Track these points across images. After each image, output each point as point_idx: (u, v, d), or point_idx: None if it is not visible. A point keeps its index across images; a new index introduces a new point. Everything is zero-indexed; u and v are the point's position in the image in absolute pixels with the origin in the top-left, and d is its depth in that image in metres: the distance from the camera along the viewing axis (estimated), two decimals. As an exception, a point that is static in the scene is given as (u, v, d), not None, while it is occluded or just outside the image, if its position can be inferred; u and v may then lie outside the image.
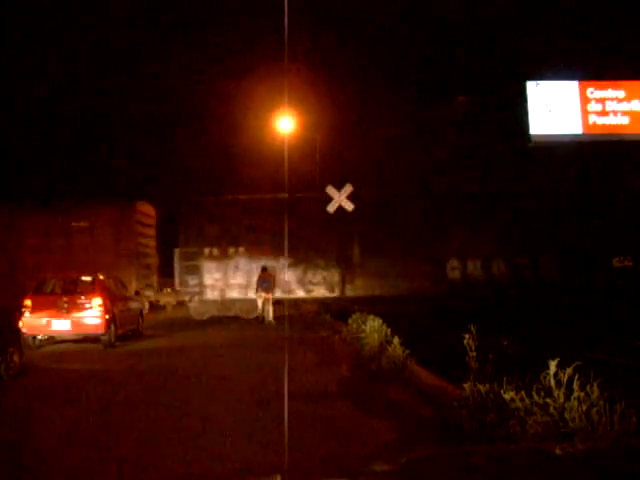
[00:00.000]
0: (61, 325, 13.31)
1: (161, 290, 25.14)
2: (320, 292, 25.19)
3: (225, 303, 22.92)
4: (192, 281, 23.67)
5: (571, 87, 27.18)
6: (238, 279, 23.83)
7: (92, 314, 13.29)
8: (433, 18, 26.57)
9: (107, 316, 13.32)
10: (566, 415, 4.55)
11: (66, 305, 13.34)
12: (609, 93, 27.21)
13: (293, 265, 24.88)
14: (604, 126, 27.07)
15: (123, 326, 14.35)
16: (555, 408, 4.63)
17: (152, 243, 24.06)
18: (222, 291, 23.80)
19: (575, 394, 4.64)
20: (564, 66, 26.62)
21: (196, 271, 24.41)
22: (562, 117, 26.89)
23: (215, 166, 25.26)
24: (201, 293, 23.58)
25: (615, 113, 27.09)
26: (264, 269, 20.37)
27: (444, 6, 26.29)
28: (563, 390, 4.72)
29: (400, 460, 2.31)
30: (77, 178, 23.23)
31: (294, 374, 8.49)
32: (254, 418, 6.61)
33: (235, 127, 25.87)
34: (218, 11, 26.23)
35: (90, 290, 13.78)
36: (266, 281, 19.69)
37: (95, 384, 9.17)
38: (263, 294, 19.51)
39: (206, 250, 25.23)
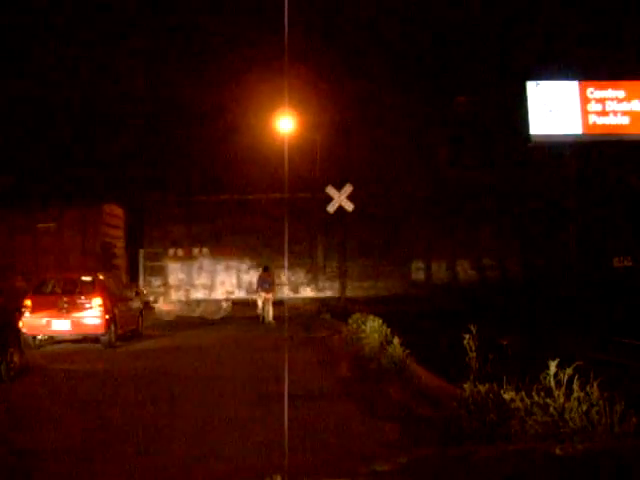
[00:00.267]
0: (61, 325, 13.31)
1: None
2: (284, 293, 25.40)
3: (190, 304, 23.02)
4: (156, 282, 23.74)
5: (571, 87, 27.16)
6: (202, 280, 23.95)
7: (92, 314, 13.28)
8: (433, 18, 26.58)
9: (107, 316, 13.31)
10: (566, 415, 4.55)
11: (66, 305, 13.34)
12: (609, 93, 27.19)
13: (256, 266, 25.11)
14: (604, 126, 27.05)
15: (123, 326, 14.34)
16: (555, 408, 4.63)
17: (120, 244, 24.21)
18: (187, 292, 23.89)
19: (575, 394, 4.64)
20: (564, 66, 26.61)
21: (160, 272, 24.56)
22: (562, 117, 26.88)
23: (185, 166, 25.40)
24: (165, 294, 23.66)
25: (615, 113, 27.08)
26: (265, 269, 20.38)
27: (444, 6, 26.32)
28: (563, 390, 4.72)
29: (400, 460, 2.31)
30: (44, 179, 23.23)
31: (294, 374, 8.49)
32: (254, 418, 6.61)
33: (218, 127, 26.03)
34: (218, 11, 26.26)
35: (90, 290, 13.77)
36: (266, 281, 19.70)
37: (95, 384, 9.17)
38: (263, 294, 19.52)
39: (170, 251, 25.41)
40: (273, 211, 25.23)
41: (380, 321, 10.83)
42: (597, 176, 27.13)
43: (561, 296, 21.93)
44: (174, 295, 20.75)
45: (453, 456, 2.32)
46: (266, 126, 23.79)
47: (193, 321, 20.43)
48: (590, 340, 11.61)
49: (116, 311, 13.79)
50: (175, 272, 24.63)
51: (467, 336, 6.36)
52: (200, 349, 13.17)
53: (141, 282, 24.32)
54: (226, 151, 25.77)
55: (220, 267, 24.13)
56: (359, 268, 25.72)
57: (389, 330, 10.08)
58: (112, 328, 13.45)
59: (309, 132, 23.70)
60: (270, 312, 19.17)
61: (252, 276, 25.47)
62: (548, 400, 4.71)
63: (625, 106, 27.02)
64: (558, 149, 27.03)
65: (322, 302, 23.70)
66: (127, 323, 14.81)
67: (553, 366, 4.84)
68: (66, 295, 13.72)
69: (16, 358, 9.75)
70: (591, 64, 26.63)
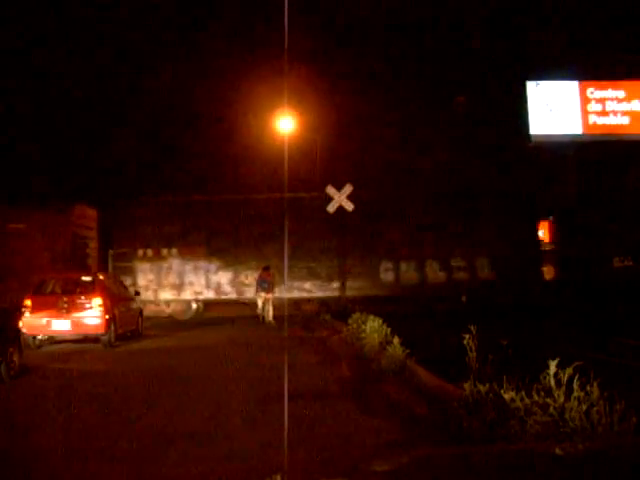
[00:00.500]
0: (61, 325, 13.31)
1: None
2: (252, 293, 25.62)
3: (159, 304, 23.08)
4: (125, 282, 24.04)
5: (571, 87, 27.18)
6: (171, 280, 24.04)
7: (92, 314, 13.28)
8: (433, 18, 26.59)
9: (107, 316, 13.31)
10: (566, 415, 4.55)
11: (66, 305, 13.34)
12: (609, 93, 27.20)
13: (224, 266, 25.21)
14: (604, 126, 27.07)
15: (123, 326, 14.35)
16: (555, 408, 4.63)
17: (93, 245, 24.31)
18: (155, 292, 23.97)
19: (575, 394, 4.64)
20: (564, 66, 26.62)
21: (129, 272, 24.69)
22: (562, 117, 26.89)
23: (156, 167, 25.45)
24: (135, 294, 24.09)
25: (615, 113, 27.09)
26: (265, 269, 20.36)
27: (444, 6, 26.32)
28: (563, 390, 4.72)
29: (400, 460, 2.31)
30: (14, 180, 23.20)
31: (294, 374, 8.49)
32: (254, 418, 6.61)
33: (213, 127, 26.08)
34: (218, 11, 26.26)
35: (90, 290, 13.78)
36: (266, 281, 19.69)
37: (95, 384, 9.17)
38: (263, 294, 19.52)
39: (140, 251, 25.57)
40: (244, 211, 25.62)
41: (380, 321, 10.83)
42: (597, 176, 27.14)
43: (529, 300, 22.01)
44: (143, 295, 20.83)
45: (453, 456, 2.31)
46: (265, 126, 23.81)
47: (193, 321, 20.43)
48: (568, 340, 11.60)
49: (116, 311, 13.79)
50: (144, 273, 24.71)
51: (467, 336, 6.36)
52: (200, 349, 13.17)
53: None
54: (218, 151, 25.86)
55: (189, 267, 24.24)
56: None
57: (389, 330, 10.08)
58: (112, 328, 13.45)
59: (308, 132, 23.70)
60: (270, 312, 19.17)
61: (221, 277, 25.81)
62: (548, 400, 4.71)
63: (625, 106, 27.03)
64: (558, 149, 27.05)
65: (322, 302, 23.71)
66: (127, 323, 14.81)
67: (553, 366, 4.84)
68: (66, 295, 13.73)
69: (16, 358, 9.75)
70: (591, 64, 26.63)
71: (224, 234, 25.31)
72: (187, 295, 23.92)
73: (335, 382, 8.77)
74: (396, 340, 9.09)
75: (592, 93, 27.10)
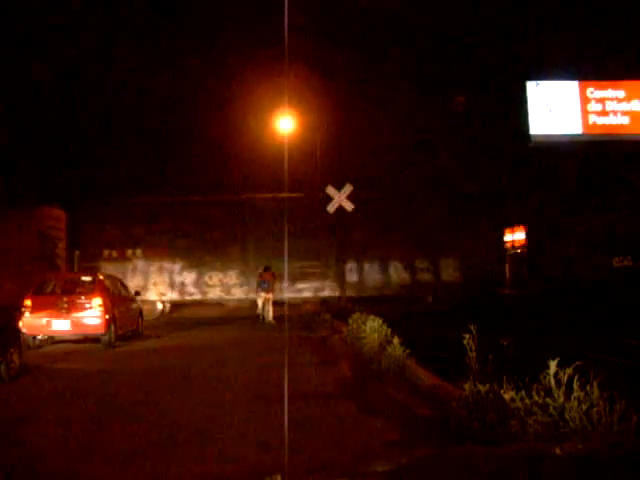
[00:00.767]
0: (61, 325, 13.32)
1: None
2: (216, 294, 25.72)
3: None
4: None
5: (571, 87, 27.18)
6: (136, 281, 24.22)
7: (92, 314, 13.29)
8: (433, 18, 26.57)
9: (107, 316, 13.32)
10: (566, 415, 4.55)
11: (66, 305, 13.35)
12: (609, 93, 27.21)
13: (188, 267, 25.33)
14: (604, 126, 27.07)
15: (123, 326, 14.35)
16: (555, 408, 4.63)
17: (62, 245, 24.40)
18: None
19: (575, 394, 4.64)
20: (564, 66, 26.62)
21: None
22: (562, 117, 26.89)
23: (123, 167, 25.47)
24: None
25: (615, 113, 27.09)
26: (266, 269, 20.35)
27: (444, 6, 26.30)
28: (563, 390, 4.72)
29: (400, 460, 2.31)
30: None
31: (294, 374, 8.50)
32: (254, 418, 6.61)
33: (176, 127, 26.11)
34: (218, 11, 26.25)
35: (90, 290, 13.79)
36: (266, 281, 19.68)
37: (95, 384, 9.17)
38: (263, 294, 19.51)
39: (105, 252, 25.76)
40: (208, 212, 25.89)
41: (380, 321, 10.83)
42: (597, 176, 27.14)
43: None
44: None
45: (453, 456, 2.32)
46: (265, 126, 23.79)
47: (193, 321, 20.42)
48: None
49: (116, 311, 13.79)
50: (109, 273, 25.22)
51: (467, 336, 6.36)
52: (200, 349, 13.18)
53: None
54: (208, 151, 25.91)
55: (153, 268, 24.39)
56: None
57: (389, 330, 10.08)
58: (112, 328, 13.45)
59: (308, 132, 23.70)
60: (270, 312, 19.17)
61: (185, 277, 26.08)
62: (548, 400, 4.71)
63: (625, 106, 27.04)
64: (558, 149, 27.05)
65: (322, 302, 23.75)
66: (127, 323, 14.82)
67: (553, 366, 4.84)
68: (66, 295, 13.73)
69: (16, 358, 9.75)
70: (591, 64, 26.63)
71: (189, 235, 25.76)
72: (152, 296, 24.12)
73: (335, 382, 8.77)
74: (396, 340, 9.09)
75: (592, 93, 27.10)
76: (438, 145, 27.07)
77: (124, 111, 25.78)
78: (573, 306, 19.00)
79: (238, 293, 26.23)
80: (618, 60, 26.19)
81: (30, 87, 23.84)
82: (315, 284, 26.34)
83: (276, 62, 17.47)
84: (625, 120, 27.05)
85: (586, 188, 27.32)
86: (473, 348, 6.27)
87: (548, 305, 20.32)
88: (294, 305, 23.48)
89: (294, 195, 25.24)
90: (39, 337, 13.61)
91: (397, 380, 8.21)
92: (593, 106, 27.10)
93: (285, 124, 22.07)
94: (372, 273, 26.48)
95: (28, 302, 13.41)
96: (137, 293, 17.06)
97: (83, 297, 13.59)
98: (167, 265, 24.86)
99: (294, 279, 26.05)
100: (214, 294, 24.96)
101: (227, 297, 26.04)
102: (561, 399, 4.67)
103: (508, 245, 29.94)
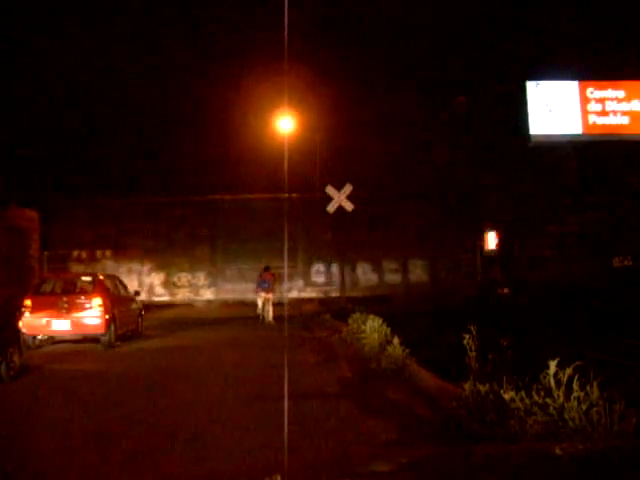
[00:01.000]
0: (61, 325, 13.31)
1: None
2: (185, 295, 25.84)
3: None
4: None
5: (571, 87, 27.16)
6: None
7: (92, 314, 13.28)
8: (433, 18, 26.56)
9: (107, 316, 13.31)
10: (566, 415, 4.55)
11: (66, 305, 13.34)
12: (609, 93, 27.20)
13: (157, 268, 25.41)
14: (604, 126, 27.06)
15: (123, 326, 14.34)
16: (555, 408, 4.63)
17: (35, 246, 24.43)
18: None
19: (575, 394, 4.64)
20: (564, 66, 26.61)
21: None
22: (562, 117, 26.88)
23: (94, 168, 25.51)
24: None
25: (615, 113, 27.08)
26: (265, 269, 20.34)
27: (444, 6, 26.30)
28: (563, 390, 4.72)
29: (400, 460, 2.31)
30: None
31: (294, 374, 8.49)
32: (254, 418, 6.61)
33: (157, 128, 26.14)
34: (218, 11, 26.24)
35: (90, 290, 13.78)
36: (266, 281, 19.66)
37: (95, 384, 9.17)
38: (263, 294, 19.49)
39: (74, 253, 25.79)
40: (178, 213, 26.04)
41: (380, 321, 10.84)
42: (597, 176, 27.14)
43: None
44: None
45: (453, 456, 2.32)
46: (265, 126, 23.79)
47: (193, 322, 20.41)
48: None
49: (116, 311, 13.78)
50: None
51: (467, 336, 6.36)
52: (200, 349, 13.17)
53: None
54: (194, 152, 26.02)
55: (122, 269, 24.48)
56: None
57: (389, 330, 10.08)
58: (112, 328, 13.44)
59: (308, 132, 23.70)
60: (270, 312, 19.16)
61: (153, 278, 26.18)
62: (548, 400, 4.72)
63: (625, 106, 27.03)
64: (558, 149, 27.05)
65: (321, 302, 23.77)
66: (127, 323, 14.81)
67: (553, 366, 4.84)
68: (66, 295, 13.73)
69: (16, 358, 9.75)
70: (591, 64, 26.62)
71: (157, 236, 25.89)
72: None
73: (335, 382, 8.77)
74: (396, 340, 9.10)
75: (592, 93, 27.09)
76: (436, 145, 27.11)
77: (105, 111, 25.86)
78: (552, 308, 19.03)
79: (207, 294, 26.50)
80: (618, 60, 26.18)
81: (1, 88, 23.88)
82: (284, 285, 26.64)
83: (276, 62, 17.47)
84: (625, 120, 27.04)
85: (586, 188, 27.35)
86: (473, 348, 6.27)
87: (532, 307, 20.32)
88: (294, 305, 23.49)
89: (266, 196, 25.63)
90: (39, 337, 13.60)
91: (397, 380, 8.22)
92: (593, 106, 27.09)
93: (285, 124, 22.06)
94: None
95: (28, 302, 13.41)
96: (137, 293, 17.05)
97: (83, 297, 13.59)
98: (136, 266, 24.99)
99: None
100: (183, 295, 25.10)
101: (196, 298, 26.24)
102: (561, 399, 4.67)
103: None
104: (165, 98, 26.11)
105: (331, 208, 20.25)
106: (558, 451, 2.38)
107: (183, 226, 26.43)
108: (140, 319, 16.14)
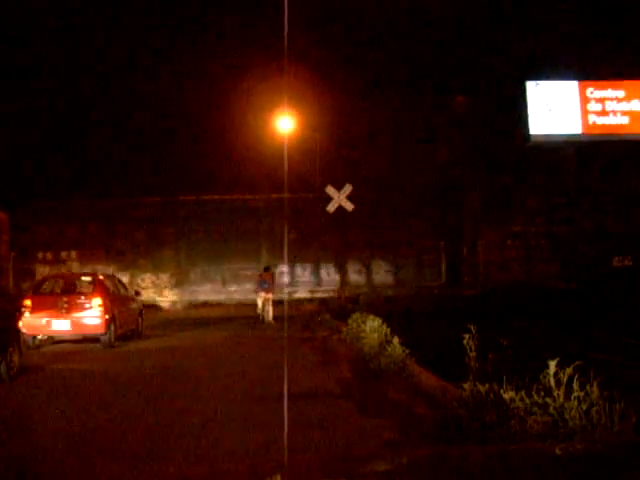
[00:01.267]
0: (61, 325, 13.31)
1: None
2: (149, 296, 26.15)
3: None
4: (25, 285, 24.29)
5: (571, 87, 27.19)
6: None
7: (92, 314, 13.27)
8: (433, 18, 26.56)
9: (107, 316, 13.30)
10: (566, 415, 4.55)
11: (66, 305, 13.34)
12: (609, 93, 27.22)
13: (121, 270, 25.66)
14: (604, 126, 27.08)
15: (123, 326, 14.34)
16: (555, 408, 4.63)
17: (4, 247, 24.51)
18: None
19: (575, 394, 4.64)
20: (564, 66, 26.61)
21: (30, 275, 25.10)
22: (562, 117, 26.90)
23: (62, 169, 25.52)
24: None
25: (615, 113, 27.11)
26: (265, 269, 20.35)
27: (444, 6, 26.29)
28: (563, 390, 4.72)
29: (400, 460, 2.31)
30: None
31: (294, 374, 8.50)
32: (254, 418, 6.61)
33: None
34: (218, 10, 26.23)
35: (90, 290, 13.79)
36: (266, 281, 19.66)
37: (95, 384, 9.17)
38: (263, 294, 19.48)
39: (40, 254, 25.84)
40: (142, 214, 26.17)
41: (380, 321, 10.83)
42: (597, 176, 27.13)
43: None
44: None
45: (453, 456, 2.31)
46: (265, 126, 23.78)
47: (193, 322, 20.41)
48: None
49: (116, 311, 13.78)
50: (43, 275, 25.38)
51: (467, 336, 6.36)
52: (200, 349, 13.17)
53: (11, 285, 24.92)
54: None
55: (87, 270, 24.58)
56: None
57: (389, 330, 10.08)
58: (112, 328, 13.44)
59: (308, 131, 23.69)
60: (270, 312, 19.15)
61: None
62: (548, 400, 4.71)
63: (625, 106, 27.05)
64: (558, 149, 27.05)
65: (321, 302, 23.75)
66: (127, 323, 14.80)
67: (553, 366, 4.84)
68: (66, 295, 13.73)
69: (16, 358, 9.74)
70: (591, 64, 26.62)
71: (122, 237, 26.05)
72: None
73: (335, 382, 8.77)
74: (396, 340, 9.09)
75: (592, 93, 27.12)
76: (432, 145, 27.17)
77: (82, 112, 25.93)
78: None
79: (170, 295, 26.66)
80: (618, 60, 26.18)
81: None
82: (247, 286, 26.94)
83: (276, 62, 17.47)
84: (625, 120, 27.06)
85: (586, 187, 27.35)
86: (473, 348, 6.26)
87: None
88: (293, 305, 23.49)
89: (233, 197, 25.83)
90: (39, 337, 13.60)
91: (397, 380, 8.21)
92: (593, 106, 27.11)
93: (285, 124, 22.06)
94: (304, 275, 27.19)
95: (28, 302, 13.40)
96: (137, 293, 17.05)
97: (83, 297, 13.59)
98: (100, 267, 25.11)
99: (225, 281, 26.63)
100: (147, 296, 25.22)
101: (160, 299, 26.49)
102: (561, 399, 4.67)
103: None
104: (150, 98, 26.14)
105: (331, 208, 20.25)
106: (558, 451, 2.38)
107: (148, 227, 26.75)
108: (140, 319, 16.13)
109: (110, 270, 25.12)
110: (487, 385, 5.33)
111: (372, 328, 10.55)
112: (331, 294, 24.92)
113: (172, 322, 20.17)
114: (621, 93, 27.10)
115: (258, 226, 26.92)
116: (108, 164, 25.80)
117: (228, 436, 5.97)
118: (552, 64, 26.75)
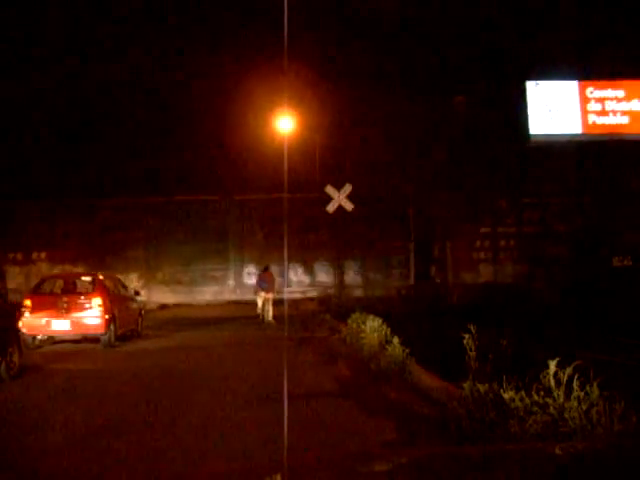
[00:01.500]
0: (61, 325, 13.30)
1: None
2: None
3: None
4: None
5: (571, 87, 27.17)
6: None
7: (92, 314, 13.27)
8: (433, 18, 26.56)
9: (107, 316, 13.30)
10: (566, 415, 4.54)
11: (66, 305, 13.33)
12: (609, 93, 27.20)
13: (90, 269, 25.78)
14: (604, 126, 27.07)
15: (123, 326, 14.34)
16: (555, 408, 4.63)
17: None
18: (24, 295, 24.92)
19: (575, 393, 4.64)
20: (564, 66, 26.60)
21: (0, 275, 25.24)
22: (562, 117, 26.89)
23: (33, 168, 25.49)
24: (4, 296, 24.09)
25: (615, 113, 27.09)
26: (265, 269, 20.33)
27: (444, 6, 26.30)
28: (563, 390, 4.72)
29: (400, 460, 2.31)
30: None
31: (294, 374, 8.50)
32: (253, 418, 6.61)
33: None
34: (218, 10, 26.23)
35: (90, 290, 13.78)
36: (266, 281, 19.65)
37: (95, 384, 9.17)
38: (263, 294, 19.48)
39: (10, 255, 25.93)
40: (111, 215, 26.32)
41: (380, 321, 10.82)
42: (597, 175, 27.13)
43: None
44: (12, 297, 21.22)
45: (453, 456, 2.31)
46: (265, 125, 23.78)
47: (192, 321, 20.40)
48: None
49: (116, 311, 13.78)
50: (14, 276, 25.51)
51: (467, 336, 6.36)
52: (200, 349, 13.16)
53: None
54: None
55: (56, 271, 24.68)
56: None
57: (389, 330, 10.07)
58: (112, 328, 13.44)
59: (307, 131, 23.69)
60: (270, 312, 19.14)
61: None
62: (548, 399, 4.71)
63: (625, 106, 27.03)
64: (558, 149, 27.05)
65: (321, 301, 23.75)
66: (127, 323, 14.80)
67: (553, 366, 4.84)
68: (66, 295, 13.73)
69: (16, 358, 9.74)
70: (591, 64, 26.62)
71: (92, 238, 26.14)
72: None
73: (335, 382, 8.77)
74: (396, 340, 9.08)
75: (592, 93, 27.10)
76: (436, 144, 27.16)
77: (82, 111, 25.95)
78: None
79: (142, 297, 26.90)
80: (618, 60, 26.17)
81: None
82: (215, 287, 26.87)
83: (276, 62, 17.46)
84: (625, 120, 27.04)
85: (585, 187, 27.34)
86: (473, 348, 6.27)
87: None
88: (293, 305, 23.48)
89: (207, 198, 25.97)
90: (39, 337, 13.60)
91: (397, 380, 8.21)
92: (593, 106, 27.09)
93: (284, 124, 22.06)
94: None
95: (28, 302, 13.40)
96: (137, 293, 17.04)
97: (83, 297, 13.58)
98: (70, 268, 25.13)
99: (193, 282, 26.77)
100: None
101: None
102: (561, 399, 4.67)
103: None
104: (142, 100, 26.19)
105: (331, 208, 20.21)
106: (558, 451, 2.38)
107: (117, 228, 26.83)
108: (140, 319, 16.13)
109: (79, 271, 25.35)
110: (487, 385, 5.33)
111: (372, 328, 10.55)
112: (299, 295, 25.22)
113: (167, 322, 20.15)
114: (621, 93, 27.09)
115: (226, 227, 27.09)
116: (78, 164, 25.78)
117: (228, 436, 5.97)
118: (552, 64, 26.74)
